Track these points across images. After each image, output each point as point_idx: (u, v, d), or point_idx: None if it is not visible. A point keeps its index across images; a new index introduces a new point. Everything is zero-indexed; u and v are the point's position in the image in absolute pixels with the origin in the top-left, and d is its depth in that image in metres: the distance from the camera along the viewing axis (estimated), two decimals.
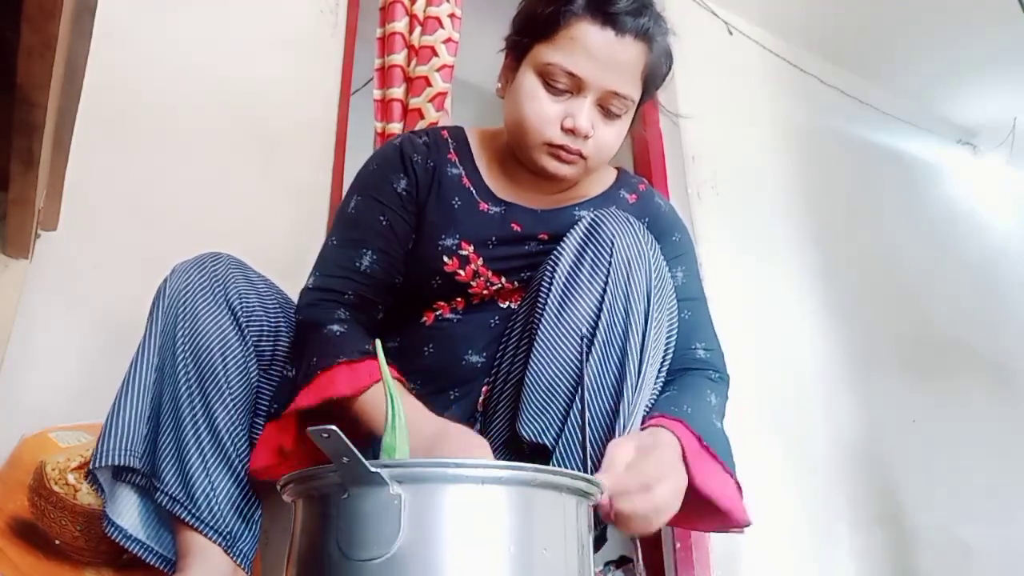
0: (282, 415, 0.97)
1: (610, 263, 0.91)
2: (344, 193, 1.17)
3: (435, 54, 1.81)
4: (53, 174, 1.22)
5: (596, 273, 0.92)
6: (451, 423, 0.89)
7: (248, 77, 1.74)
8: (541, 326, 0.92)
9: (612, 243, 0.92)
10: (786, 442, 2.12)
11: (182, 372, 0.98)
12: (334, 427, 0.58)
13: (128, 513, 0.99)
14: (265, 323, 1.05)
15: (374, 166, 1.14)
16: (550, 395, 0.90)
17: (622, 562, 1.56)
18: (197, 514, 0.94)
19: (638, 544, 1.30)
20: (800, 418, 2.24)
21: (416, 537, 0.59)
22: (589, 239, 0.94)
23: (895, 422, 2.51)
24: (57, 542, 1.10)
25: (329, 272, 1.06)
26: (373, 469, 0.60)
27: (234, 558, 0.95)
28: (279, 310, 1.07)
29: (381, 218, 1.08)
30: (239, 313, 1.01)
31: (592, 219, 0.95)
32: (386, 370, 0.81)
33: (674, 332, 1.02)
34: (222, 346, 0.99)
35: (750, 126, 2.67)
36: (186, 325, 0.99)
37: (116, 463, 0.95)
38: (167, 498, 0.95)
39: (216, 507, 0.95)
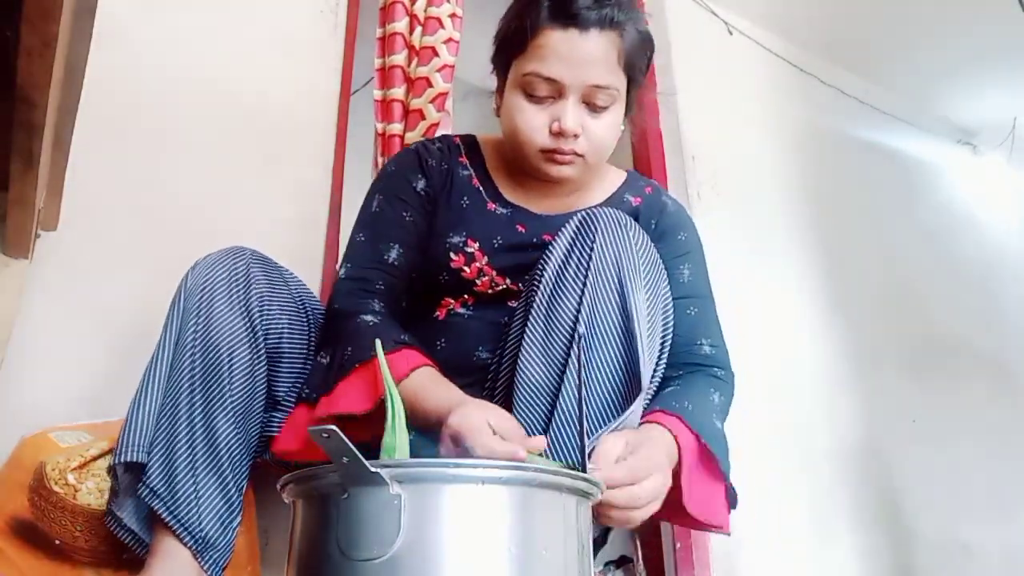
0: (318, 406, 0.96)
1: (590, 259, 0.92)
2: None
3: (436, 54, 1.80)
4: (53, 174, 1.22)
5: (579, 271, 0.92)
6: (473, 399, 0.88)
7: (248, 77, 1.73)
8: (528, 326, 0.93)
9: (594, 239, 0.93)
10: (786, 442, 2.12)
11: (187, 369, 0.97)
12: (334, 427, 0.58)
13: (128, 505, 0.98)
14: (283, 323, 1.06)
15: (393, 168, 1.20)
16: (535, 393, 0.91)
17: (622, 562, 1.55)
18: (175, 511, 0.92)
19: (638, 544, 1.30)
20: (800, 417, 2.23)
21: (416, 537, 0.60)
22: (576, 238, 0.95)
23: (895, 422, 2.50)
24: (57, 542, 1.09)
25: (360, 264, 1.11)
26: (373, 469, 0.60)
27: (203, 565, 0.92)
28: (300, 305, 1.09)
29: (405, 215, 1.14)
30: (255, 314, 1.02)
31: (580, 218, 0.96)
32: (386, 369, 0.81)
33: (669, 326, 1.02)
34: (230, 349, 0.99)
35: (750, 126, 2.66)
36: (199, 322, 0.99)
37: (132, 460, 0.95)
38: (148, 490, 0.93)
39: (195, 509, 0.93)
